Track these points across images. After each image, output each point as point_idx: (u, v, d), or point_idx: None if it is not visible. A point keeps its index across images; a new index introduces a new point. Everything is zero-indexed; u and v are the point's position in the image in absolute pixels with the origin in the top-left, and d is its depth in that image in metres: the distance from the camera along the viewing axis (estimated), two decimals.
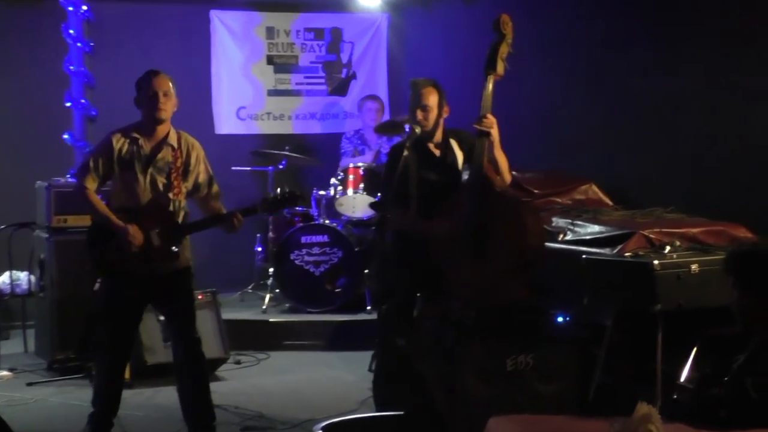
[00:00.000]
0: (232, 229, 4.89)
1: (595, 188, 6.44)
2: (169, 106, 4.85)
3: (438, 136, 5.15)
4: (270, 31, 9.00)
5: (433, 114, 5.07)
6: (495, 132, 4.86)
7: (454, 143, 5.17)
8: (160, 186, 4.86)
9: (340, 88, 9.19)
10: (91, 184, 4.87)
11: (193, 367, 5.00)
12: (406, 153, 4.88)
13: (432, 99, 5.07)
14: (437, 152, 5.16)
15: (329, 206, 7.67)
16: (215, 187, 5.07)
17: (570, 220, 5.61)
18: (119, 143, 4.86)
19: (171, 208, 4.86)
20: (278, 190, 5.08)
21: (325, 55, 9.13)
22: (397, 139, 7.45)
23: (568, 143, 7.33)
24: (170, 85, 4.86)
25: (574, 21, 7.32)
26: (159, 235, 4.79)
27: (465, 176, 5.18)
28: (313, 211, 7.79)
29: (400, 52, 9.21)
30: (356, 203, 7.47)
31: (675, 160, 6.39)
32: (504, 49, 4.92)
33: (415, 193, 4.99)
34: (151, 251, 4.79)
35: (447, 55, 8.57)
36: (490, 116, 4.84)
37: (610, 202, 6.34)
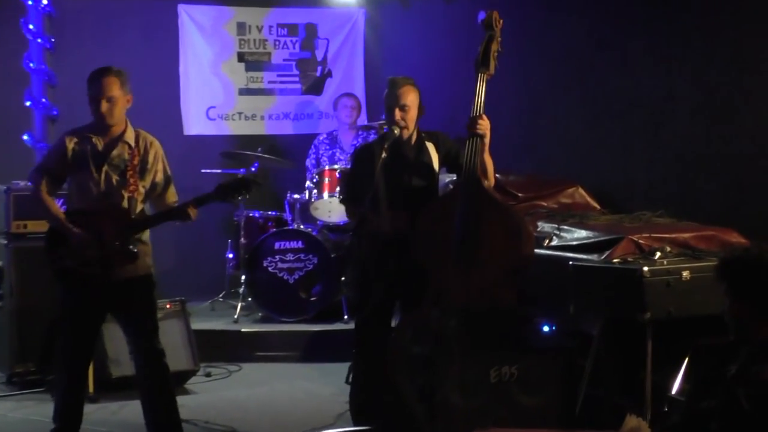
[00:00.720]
0: (186, 218, 4.91)
1: (581, 191, 6.47)
2: (115, 111, 4.85)
3: (413, 137, 5.16)
4: (241, 27, 8.98)
5: (412, 114, 5.08)
6: (488, 134, 4.87)
7: (429, 145, 5.17)
8: (115, 184, 4.87)
9: (315, 87, 9.19)
10: (46, 187, 4.89)
11: (156, 380, 4.99)
12: (384, 155, 4.88)
13: (411, 98, 5.08)
14: (411, 154, 5.15)
15: (304, 210, 7.67)
16: (172, 189, 5.07)
17: (556, 225, 5.62)
18: (72, 143, 4.89)
19: (127, 206, 4.87)
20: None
21: (299, 52, 9.13)
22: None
23: (553, 145, 7.37)
24: (117, 86, 4.83)
25: (558, 18, 7.36)
26: (115, 235, 4.78)
27: (446, 180, 5.19)
28: (287, 216, 7.79)
29: (377, 50, 9.22)
30: (332, 207, 7.47)
31: (664, 162, 6.43)
32: (495, 47, 4.96)
33: (386, 197, 4.99)
34: (107, 252, 4.78)
35: (425, 53, 8.59)
36: (485, 117, 4.85)
37: (598, 206, 6.37)
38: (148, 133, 5.05)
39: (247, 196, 5.16)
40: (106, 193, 4.86)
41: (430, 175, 5.15)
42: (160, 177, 5.00)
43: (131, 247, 4.82)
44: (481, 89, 4.90)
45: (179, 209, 4.92)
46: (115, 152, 4.89)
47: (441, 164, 5.20)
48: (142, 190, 4.92)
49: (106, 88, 4.80)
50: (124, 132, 4.92)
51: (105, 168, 4.86)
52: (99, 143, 4.88)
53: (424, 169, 5.14)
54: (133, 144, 4.93)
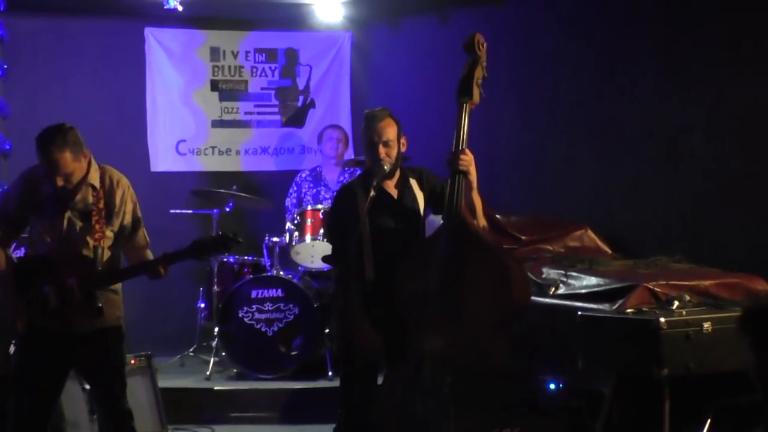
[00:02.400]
0: (156, 275, 4.87)
1: (591, 234, 6.48)
2: (72, 178, 4.78)
3: (395, 174, 5.16)
4: (214, 52, 9.02)
5: (395, 149, 5.08)
6: (473, 170, 4.86)
7: (413, 182, 5.18)
8: (79, 231, 4.84)
9: (297, 118, 9.22)
10: (2, 233, 4.86)
11: None
12: (372, 194, 4.87)
13: (392, 132, 5.08)
14: (395, 193, 5.15)
15: (284, 255, 7.65)
16: (142, 233, 5.04)
17: (563, 271, 5.62)
18: (32, 185, 4.85)
19: (91, 255, 4.83)
20: (212, 234, 5.03)
21: (278, 80, 9.16)
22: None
23: (558, 182, 7.39)
24: (70, 159, 4.69)
25: (562, 43, 7.41)
26: (77, 287, 4.75)
27: (431, 220, 5.17)
28: (265, 261, 7.77)
29: (365, 77, 9.26)
30: (315, 252, 7.45)
31: (681, 201, 6.45)
32: (479, 74, 4.92)
33: (369, 242, 4.98)
34: (68, 306, 4.75)
35: (418, 80, 8.64)
36: (468, 152, 4.84)
37: (609, 250, 6.38)
38: (115, 170, 5.02)
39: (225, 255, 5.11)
40: (70, 241, 4.82)
41: (415, 216, 5.14)
42: (128, 219, 4.98)
43: (96, 301, 4.79)
44: (464, 121, 4.86)
45: (148, 265, 4.88)
46: (78, 196, 4.84)
47: (426, 203, 5.20)
48: (109, 235, 4.88)
49: (60, 165, 4.71)
50: (87, 173, 4.87)
51: (68, 214, 4.83)
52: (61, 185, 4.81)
53: (409, 209, 5.12)
54: (97, 185, 4.88)
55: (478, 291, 4.67)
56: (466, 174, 4.82)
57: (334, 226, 5.21)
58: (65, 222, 4.83)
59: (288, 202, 8.19)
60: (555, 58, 7.44)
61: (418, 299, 4.80)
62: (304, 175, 8.24)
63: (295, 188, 8.21)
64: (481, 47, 4.94)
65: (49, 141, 4.70)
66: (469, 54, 4.97)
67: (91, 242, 4.83)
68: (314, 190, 8.12)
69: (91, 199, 4.85)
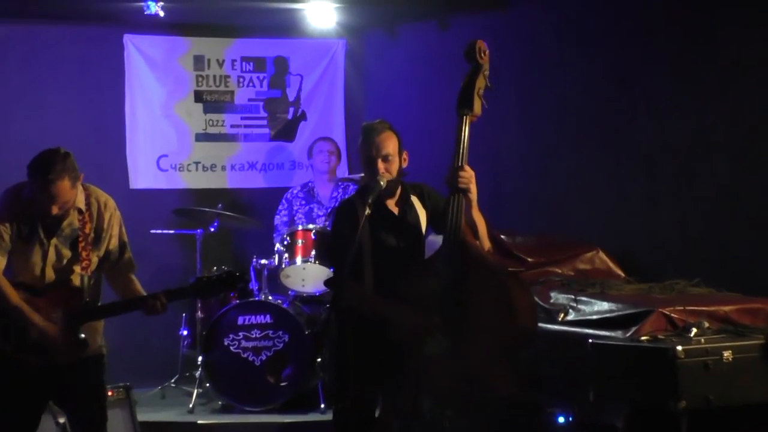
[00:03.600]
0: (153, 312, 4.85)
1: (602, 255, 6.49)
2: (68, 205, 4.76)
3: (397, 191, 5.16)
4: (198, 61, 9.04)
5: (395, 164, 5.07)
6: (473, 188, 4.84)
7: (415, 200, 5.17)
8: (66, 260, 4.82)
9: (287, 132, 9.23)
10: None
11: None
12: (368, 212, 4.86)
13: (392, 146, 5.06)
14: (396, 210, 5.15)
15: (273, 279, 7.64)
16: (127, 256, 5.03)
17: (572, 296, 5.63)
18: (17, 208, 4.79)
19: (78, 284, 4.82)
20: (214, 269, 5.02)
21: (267, 90, 9.18)
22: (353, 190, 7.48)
23: (567, 200, 7.40)
24: (68, 187, 4.67)
25: (572, 51, 7.43)
26: (63, 319, 4.74)
27: (432, 240, 5.16)
28: (253, 285, 7.74)
29: (360, 87, 9.28)
30: (306, 275, 7.44)
31: (699, 220, 6.45)
32: (481, 83, 4.87)
33: (370, 262, 4.98)
34: (51, 339, 4.73)
35: (417, 91, 8.67)
36: (467, 168, 4.84)
37: (622, 273, 6.39)
38: (100, 190, 4.99)
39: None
40: (55, 270, 4.81)
41: (418, 235, 5.13)
42: (114, 243, 4.96)
43: (79, 332, 4.77)
44: (464, 134, 4.82)
45: (146, 299, 4.86)
46: (65, 222, 4.83)
47: (429, 221, 5.20)
48: (95, 260, 4.88)
49: (60, 195, 4.68)
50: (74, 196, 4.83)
51: (54, 241, 4.82)
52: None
53: (412, 228, 5.12)
54: (84, 208, 4.86)
55: (480, 317, 4.64)
56: (466, 192, 4.80)
57: (338, 245, 5.16)
58: (51, 249, 4.81)
59: (277, 220, 8.16)
60: (563, 67, 7.46)
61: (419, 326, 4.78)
62: (295, 192, 8.21)
63: (286, 205, 8.18)
64: (482, 55, 4.91)
65: (47, 170, 4.65)
66: (469, 62, 4.93)
67: (78, 270, 4.83)
68: (306, 208, 8.10)
69: (77, 224, 4.84)
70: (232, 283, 4.94)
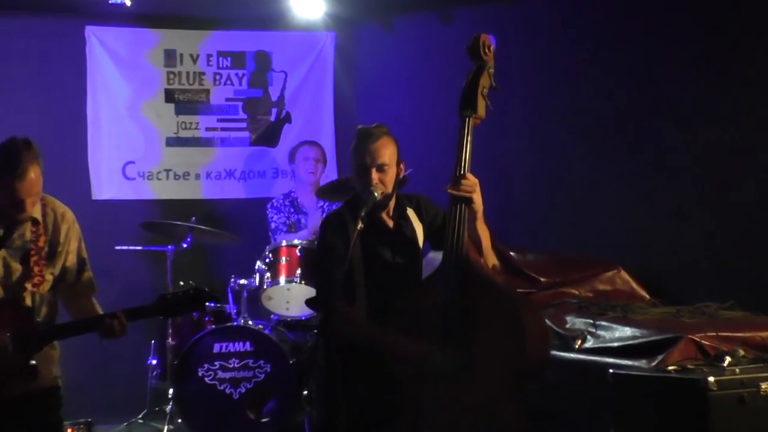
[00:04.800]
0: (110, 334, 4.83)
1: (624, 275, 6.50)
2: (36, 202, 4.79)
3: (392, 202, 5.17)
4: (170, 56, 9.06)
5: (391, 174, 5.07)
6: (478, 198, 4.83)
7: (411, 213, 5.18)
8: (15, 275, 4.81)
9: (269, 136, 9.24)
10: None
11: None
12: (360, 226, 4.86)
13: (390, 154, 5.06)
14: (390, 224, 5.16)
15: (253, 301, 7.63)
16: (87, 275, 5.02)
17: (590, 320, 5.63)
18: None
19: (29, 303, 4.81)
20: (180, 284, 5.02)
21: (246, 89, 9.21)
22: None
23: (585, 214, 7.40)
24: (39, 173, 4.76)
25: (586, 46, 7.43)
26: (11, 342, 4.73)
27: (431, 258, 5.16)
28: (231, 308, 7.74)
29: (351, 85, 9.30)
30: (291, 297, 7.45)
31: (732, 237, 6.46)
32: (485, 83, 4.90)
33: (363, 282, 4.99)
34: None
35: (414, 89, 8.70)
36: (470, 176, 4.83)
37: (646, 295, 6.40)
38: (57, 200, 4.99)
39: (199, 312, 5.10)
40: (3, 286, 4.80)
41: (414, 252, 5.15)
42: (72, 260, 4.95)
43: (31, 360, 4.76)
44: (467, 139, 4.84)
45: (102, 319, 4.84)
46: (16, 233, 4.82)
47: (425, 237, 5.21)
48: (49, 278, 4.86)
49: (33, 185, 4.68)
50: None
51: (3, 252, 4.80)
52: None
53: (407, 244, 5.13)
54: (39, 218, 4.86)
55: (485, 344, 4.63)
56: (469, 202, 4.80)
57: (326, 263, 5.15)
58: (0, 263, 4.80)
59: (273, 225, 8.09)
60: (578, 66, 7.47)
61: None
62: (276, 204, 8.20)
63: (275, 211, 8.13)
64: (487, 51, 4.91)
65: (15, 164, 4.63)
66: (473, 59, 4.94)
67: (29, 287, 4.81)
68: (295, 218, 8.09)
69: (29, 236, 4.82)
70: (201, 300, 4.93)
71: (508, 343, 4.61)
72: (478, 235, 4.90)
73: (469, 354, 4.64)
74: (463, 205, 4.78)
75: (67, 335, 4.91)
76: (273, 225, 8.12)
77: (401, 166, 5.11)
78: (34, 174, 4.66)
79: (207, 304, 5.03)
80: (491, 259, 5.02)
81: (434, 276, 4.86)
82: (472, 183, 4.78)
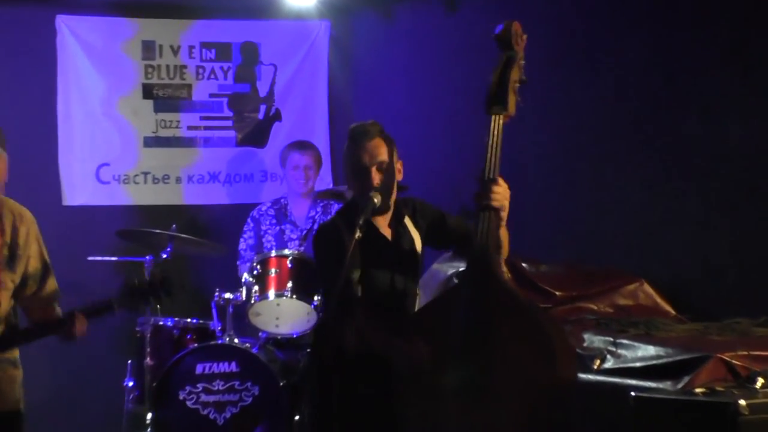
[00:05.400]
0: (71, 336, 4.85)
1: (647, 288, 6.50)
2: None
3: (390, 208, 5.19)
4: (148, 48, 9.08)
5: (390, 175, 5.09)
6: (507, 206, 4.82)
7: (407, 220, 5.20)
8: None
9: (257, 135, 9.26)
10: None
11: None
12: (358, 235, 4.86)
13: (386, 152, 5.08)
14: (388, 233, 5.16)
15: (239, 317, 7.62)
16: (51, 282, 5.04)
17: (610, 338, 5.63)
18: None
19: None
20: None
21: (232, 84, 9.22)
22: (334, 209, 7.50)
23: (604, 221, 7.40)
24: (6, 160, 4.81)
25: (607, 37, 7.42)
26: None
27: (436, 270, 5.16)
28: (215, 325, 7.74)
29: (347, 80, 9.32)
30: (281, 312, 7.43)
31: (765, 247, 6.46)
32: (516, 76, 4.88)
33: (361, 295, 4.98)
34: None
35: (416, 83, 8.70)
36: (502, 182, 4.80)
37: (671, 310, 6.40)
38: (14, 201, 5.02)
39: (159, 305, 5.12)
40: None
41: (414, 263, 5.18)
42: (34, 265, 4.97)
43: None
44: (496, 139, 4.79)
45: (60, 322, 4.86)
46: None
47: (424, 243, 5.22)
48: (10, 285, 4.90)
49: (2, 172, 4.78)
50: None
51: None
52: None
53: (407, 255, 5.15)
54: None
55: (511, 366, 4.63)
56: (498, 211, 4.79)
57: (328, 275, 5.12)
58: None
59: (243, 244, 8.15)
60: (598, 57, 7.46)
61: (426, 377, 4.77)
62: (263, 209, 8.19)
63: (252, 225, 8.16)
64: (519, 41, 4.90)
65: None
66: (503, 49, 4.91)
67: None
68: (277, 229, 8.09)
69: None
70: (163, 290, 4.95)
71: (535, 364, 4.62)
72: (501, 242, 4.90)
73: (492, 376, 4.63)
74: (492, 213, 4.76)
75: (26, 341, 4.93)
76: (241, 244, 8.18)
77: (398, 167, 5.13)
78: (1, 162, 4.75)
79: (171, 294, 5.03)
80: (505, 252, 5.04)
81: (452, 291, 4.88)
82: (503, 190, 4.77)
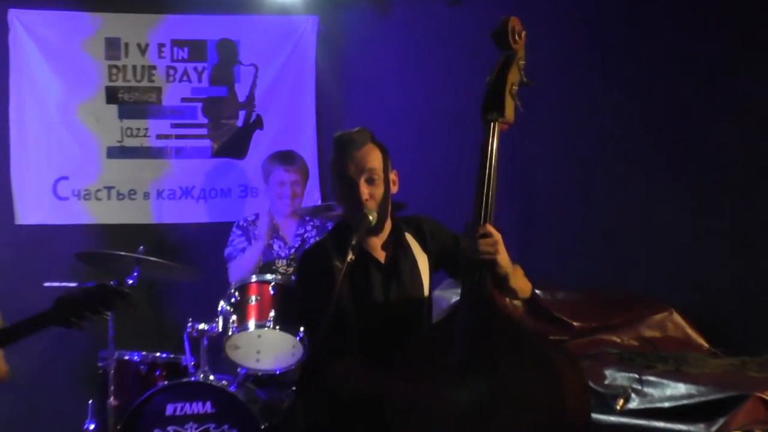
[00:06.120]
0: None
1: (677, 318, 6.51)
2: None
3: (387, 226, 5.16)
4: (112, 46, 9.06)
5: (381, 188, 5.03)
6: (503, 258, 4.70)
7: (411, 240, 5.15)
8: None
9: (235, 145, 9.24)
10: None
11: None
12: (350, 258, 4.82)
13: (377, 162, 5.04)
14: (382, 257, 5.13)
15: (215, 351, 7.60)
16: None
17: (635, 375, 5.63)
18: None
19: None
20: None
21: (207, 87, 9.22)
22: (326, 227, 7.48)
23: (626, 241, 7.39)
24: None
25: (632, 34, 7.42)
26: None
27: (438, 296, 5.14)
28: (187, 360, 7.72)
29: (338, 81, 9.32)
30: (263, 345, 7.42)
31: None
32: (514, 77, 4.84)
33: (354, 326, 4.97)
34: None
35: (415, 85, 8.71)
36: (489, 229, 4.68)
37: (704, 343, 6.40)
38: None
39: (107, 315, 5.09)
40: None
41: (417, 290, 5.13)
42: None
43: None
44: (492, 148, 4.73)
45: None
46: None
47: (433, 269, 5.20)
48: None
49: None
50: None
51: None
52: None
53: (407, 281, 5.11)
54: None
55: (513, 405, 4.60)
56: (490, 266, 4.70)
57: (307, 308, 5.12)
58: None
59: (230, 249, 8.09)
60: (621, 56, 7.46)
61: (423, 417, 4.76)
62: (250, 219, 8.13)
63: (240, 232, 8.08)
64: (518, 38, 4.86)
65: None
66: (500, 48, 4.88)
67: None
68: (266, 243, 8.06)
69: None
70: (108, 298, 4.93)
71: (541, 403, 4.58)
72: (515, 290, 4.86)
73: (491, 410, 4.61)
74: (483, 273, 4.68)
75: None
76: (229, 248, 8.10)
77: (393, 177, 5.09)
78: None
79: (113, 304, 5.01)
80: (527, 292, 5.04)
81: (448, 318, 4.85)
82: (492, 241, 4.67)
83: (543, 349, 4.82)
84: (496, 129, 4.77)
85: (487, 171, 4.72)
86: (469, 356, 4.67)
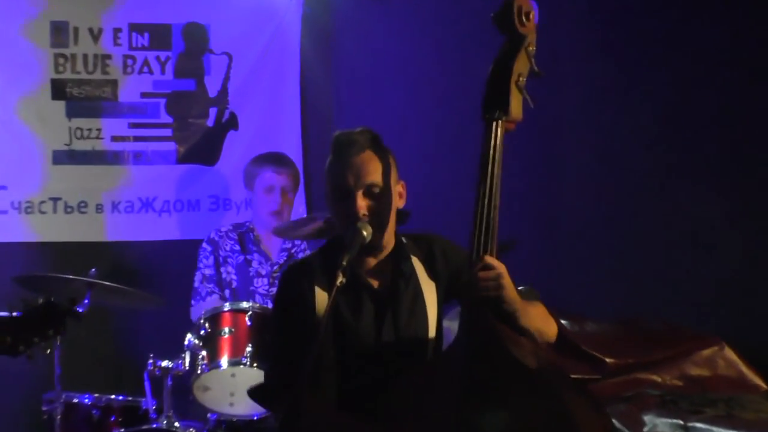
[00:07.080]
0: None
1: (728, 354, 6.51)
2: None
3: (387, 245, 5.12)
4: (59, 31, 9.07)
5: (384, 202, 5.00)
6: (508, 288, 4.64)
7: (417, 264, 5.12)
8: None
9: (205, 149, 9.25)
10: None
11: None
12: (340, 281, 4.78)
13: (377, 170, 4.97)
14: (376, 284, 5.11)
15: (181, 393, 7.59)
16: None
17: (680, 421, 5.65)
18: None
19: None
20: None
21: (172, 80, 9.23)
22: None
23: (667, 261, 7.38)
24: None
25: (667, 20, 7.42)
26: None
27: (446, 328, 5.13)
28: (148, 403, 7.70)
29: (326, 73, 9.35)
30: (237, 386, 7.39)
31: None
32: (522, 67, 4.78)
33: (333, 371, 4.97)
34: None
35: (414, 77, 8.73)
36: (490, 260, 4.61)
37: (762, 383, 6.38)
38: None
39: (56, 340, 5.08)
40: None
41: (421, 325, 5.09)
42: None
43: None
44: (493, 152, 4.67)
45: None
46: None
47: (443, 299, 5.16)
48: None
49: None
50: None
51: None
52: None
53: (409, 314, 5.08)
54: None
55: None
56: (495, 303, 4.66)
57: (280, 337, 5.11)
58: None
59: (198, 277, 8.07)
60: (655, 46, 7.46)
61: None
62: (223, 230, 8.14)
63: (209, 250, 8.06)
64: (525, 20, 4.82)
65: None
66: (503, 32, 4.82)
67: None
68: (241, 259, 8.05)
69: None
70: (55, 318, 4.94)
71: None
72: (531, 332, 4.82)
73: None
74: (483, 312, 4.64)
75: None
76: (196, 279, 8.09)
77: (399, 189, 5.05)
78: None
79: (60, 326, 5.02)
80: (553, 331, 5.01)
81: (446, 356, 4.83)
82: (494, 275, 4.61)
83: (557, 393, 4.75)
84: (499, 130, 4.70)
85: (487, 185, 4.65)
86: (467, 398, 4.61)
